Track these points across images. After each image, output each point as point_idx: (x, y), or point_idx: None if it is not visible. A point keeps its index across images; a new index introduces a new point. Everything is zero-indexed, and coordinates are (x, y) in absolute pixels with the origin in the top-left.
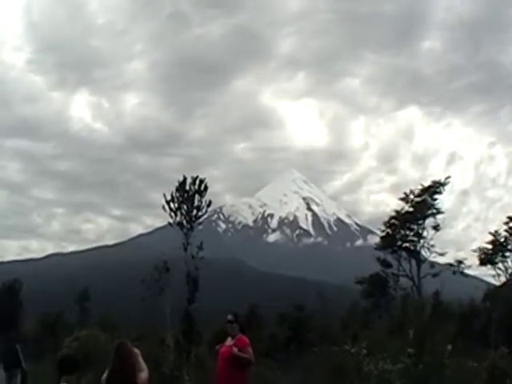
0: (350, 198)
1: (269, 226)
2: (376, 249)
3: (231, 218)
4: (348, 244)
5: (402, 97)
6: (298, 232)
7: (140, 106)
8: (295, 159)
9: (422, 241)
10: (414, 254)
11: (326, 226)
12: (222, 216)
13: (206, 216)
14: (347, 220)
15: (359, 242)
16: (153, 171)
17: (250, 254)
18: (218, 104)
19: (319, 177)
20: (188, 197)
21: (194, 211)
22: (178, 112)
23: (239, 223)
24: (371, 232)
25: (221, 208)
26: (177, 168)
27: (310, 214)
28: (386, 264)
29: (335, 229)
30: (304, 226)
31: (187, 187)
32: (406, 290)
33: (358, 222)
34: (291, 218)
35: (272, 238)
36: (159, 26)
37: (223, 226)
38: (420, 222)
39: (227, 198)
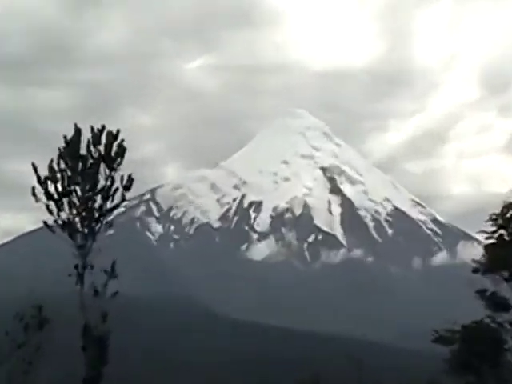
0: (420, 167)
1: (252, 228)
2: (476, 271)
3: (175, 213)
4: (416, 261)
5: None
6: (311, 238)
7: None
8: (306, 89)
9: None
10: None
11: (371, 225)
12: (155, 208)
13: (122, 209)
14: (414, 213)
15: (440, 258)
16: (14, 117)
17: (214, 285)
18: None
19: (355, 126)
20: (85, 170)
21: (98, 199)
22: None
23: (192, 222)
24: (465, 236)
25: (153, 192)
26: (63, 110)
27: (336, 200)
28: (497, 303)
29: (389, 231)
30: (324, 227)
31: (83, 150)
32: None
33: (438, 217)
34: (298, 211)
35: (259, 250)
36: None
37: (158, 227)
38: None
39: (168, 172)
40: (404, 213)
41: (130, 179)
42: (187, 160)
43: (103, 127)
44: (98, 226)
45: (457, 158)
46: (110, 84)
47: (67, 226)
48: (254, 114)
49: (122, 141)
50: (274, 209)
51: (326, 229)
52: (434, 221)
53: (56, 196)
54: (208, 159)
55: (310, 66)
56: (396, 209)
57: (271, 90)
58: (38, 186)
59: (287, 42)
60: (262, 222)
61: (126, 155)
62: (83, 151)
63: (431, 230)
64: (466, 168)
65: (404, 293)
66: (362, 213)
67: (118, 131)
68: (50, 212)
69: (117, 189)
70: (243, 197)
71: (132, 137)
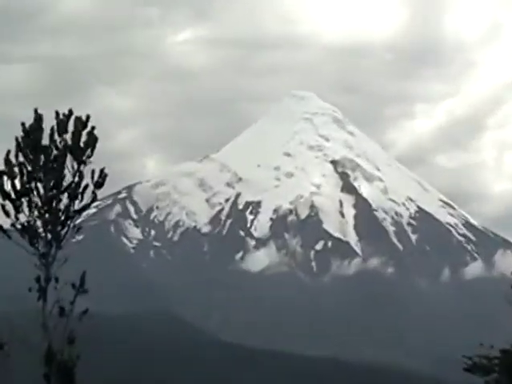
0: (452, 161)
1: (249, 233)
2: None
3: (156, 215)
4: (445, 273)
5: None
6: (320, 245)
7: None
8: (315, 68)
9: None
10: None
11: (391, 229)
12: (132, 209)
13: (93, 210)
14: (443, 215)
15: (474, 269)
16: None
17: (202, 301)
18: None
19: (374, 111)
20: (48, 163)
21: (64, 198)
22: None
23: (176, 226)
24: (505, 243)
25: (131, 189)
26: (22, 91)
27: (349, 200)
28: None
29: (413, 237)
30: (334, 232)
31: (46, 140)
32: None
33: (472, 221)
34: (303, 213)
35: (256, 259)
36: None
37: (136, 232)
38: None
39: (148, 165)
40: (431, 215)
41: (103, 174)
42: (171, 151)
43: (70, 112)
44: (65, 230)
45: (497, 150)
46: (78, 59)
47: (27, 230)
48: (252, 96)
49: (93, 128)
50: (275, 210)
51: (337, 234)
52: (467, 225)
53: (13, 195)
54: (196, 150)
55: (321, 40)
56: (421, 210)
57: (274, 68)
58: None
59: (295, 11)
60: (261, 226)
61: (98, 145)
62: (46, 141)
63: (463, 235)
64: (508, 162)
65: (430, 311)
66: (380, 215)
67: (87, 117)
68: (7, 214)
69: (86, 186)
70: (238, 196)
71: (105, 123)
